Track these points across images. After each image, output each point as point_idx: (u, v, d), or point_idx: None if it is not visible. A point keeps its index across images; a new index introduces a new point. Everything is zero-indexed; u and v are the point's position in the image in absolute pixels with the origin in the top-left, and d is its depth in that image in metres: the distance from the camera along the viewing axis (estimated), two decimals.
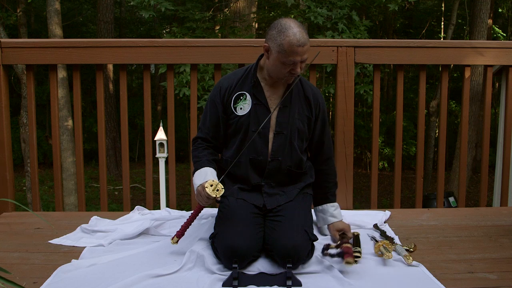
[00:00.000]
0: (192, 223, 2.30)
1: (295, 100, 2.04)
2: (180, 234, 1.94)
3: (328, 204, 2.17)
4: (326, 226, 2.18)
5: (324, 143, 2.15)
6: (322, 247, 1.86)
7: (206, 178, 1.89)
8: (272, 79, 2.00)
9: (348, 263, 1.73)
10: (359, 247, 1.98)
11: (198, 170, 1.96)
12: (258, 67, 2.04)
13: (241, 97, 2.01)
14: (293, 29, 1.85)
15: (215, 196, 1.82)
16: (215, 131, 2.06)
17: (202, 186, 1.84)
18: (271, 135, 2.00)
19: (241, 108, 2.00)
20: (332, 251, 1.82)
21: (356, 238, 2.09)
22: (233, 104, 2.01)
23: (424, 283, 1.72)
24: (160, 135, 3.81)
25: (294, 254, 1.76)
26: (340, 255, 1.78)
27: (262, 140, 1.99)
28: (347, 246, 1.86)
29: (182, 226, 1.96)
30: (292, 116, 2.01)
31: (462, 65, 2.79)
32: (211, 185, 1.83)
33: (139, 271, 1.75)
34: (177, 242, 1.94)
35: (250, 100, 2.00)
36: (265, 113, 1.99)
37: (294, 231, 1.83)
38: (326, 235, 2.19)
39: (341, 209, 2.63)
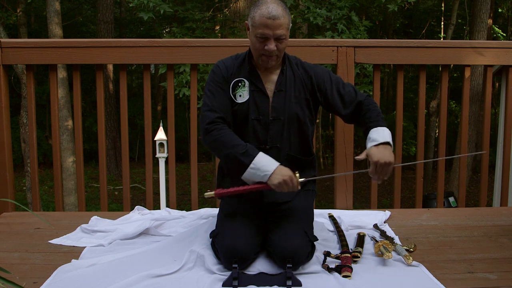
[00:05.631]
0: (192, 223, 2.30)
1: (290, 83, 1.95)
2: (220, 194, 1.84)
3: (372, 130, 1.91)
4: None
5: (344, 96, 1.99)
6: (322, 246, 1.85)
7: (275, 162, 1.79)
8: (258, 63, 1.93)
9: (346, 276, 1.73)
10: (362, 247, 1.98)
11: (260, 154, 1.80)
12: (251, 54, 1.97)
13: (240, 84, 1.93)
14: (267, 3, 1.82)
15: (299, 188, 1.82)
16: (227, 111, 1.91)
17: (292, 175, 1.78)
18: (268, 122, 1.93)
19: (240, 95, 1.92)
20: (331, 264, 1.82)
21: (361, 238, 2.09)
22: (232, 91, 1.93)
23: (424, 283, 1.72)
24: (160, 135, 3.81)
25: (294, 257, 1.75)
26: (338, 269, 1.77)
27: (262, 128, 1.93)
28: (346, 256, 1.86)
29: (229, 191, 1.84)
30: (289, 100, 1.93)
31: (462, 65, 2.79)
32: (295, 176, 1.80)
33: (139, 271, 1.75)
34: (209, 196, 1.83)
35: (249, 87, 1.93)
36: (264, 99, 1.92)
37: (294, 234, 1.81)
38: None
39: (341, 209, 2.65)
